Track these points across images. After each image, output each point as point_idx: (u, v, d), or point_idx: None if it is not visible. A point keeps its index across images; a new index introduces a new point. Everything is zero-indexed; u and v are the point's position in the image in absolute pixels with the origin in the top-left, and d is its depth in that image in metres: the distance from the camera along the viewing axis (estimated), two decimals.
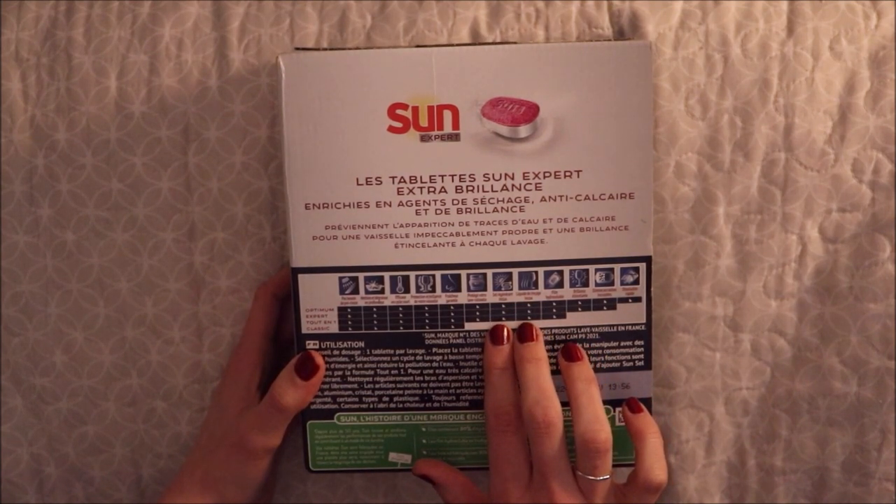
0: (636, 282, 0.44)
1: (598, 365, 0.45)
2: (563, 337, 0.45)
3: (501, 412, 0.43)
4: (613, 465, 0.44)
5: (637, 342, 0.45)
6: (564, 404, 0.42)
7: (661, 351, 0.48)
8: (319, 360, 0.45)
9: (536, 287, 0.44)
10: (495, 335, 0.44)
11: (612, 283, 0.44)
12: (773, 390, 0.49)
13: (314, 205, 0.43)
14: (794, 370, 0.49)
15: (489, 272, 0.44)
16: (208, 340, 0.50)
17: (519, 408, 0.43)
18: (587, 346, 0.45)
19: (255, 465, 0.45)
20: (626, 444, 0.46)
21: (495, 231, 0.44)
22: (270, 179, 0.48)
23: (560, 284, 0.44)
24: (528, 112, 0.42)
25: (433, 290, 0.44)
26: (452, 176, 0.43)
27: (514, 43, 0.45)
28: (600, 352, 0.45)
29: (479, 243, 0.44)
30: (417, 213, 0.43)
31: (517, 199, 0.43)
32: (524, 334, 0.44)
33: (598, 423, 0.42)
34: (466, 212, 0.43)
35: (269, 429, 0.44)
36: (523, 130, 0.43)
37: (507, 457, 0.43)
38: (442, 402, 0.46)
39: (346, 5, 0.48)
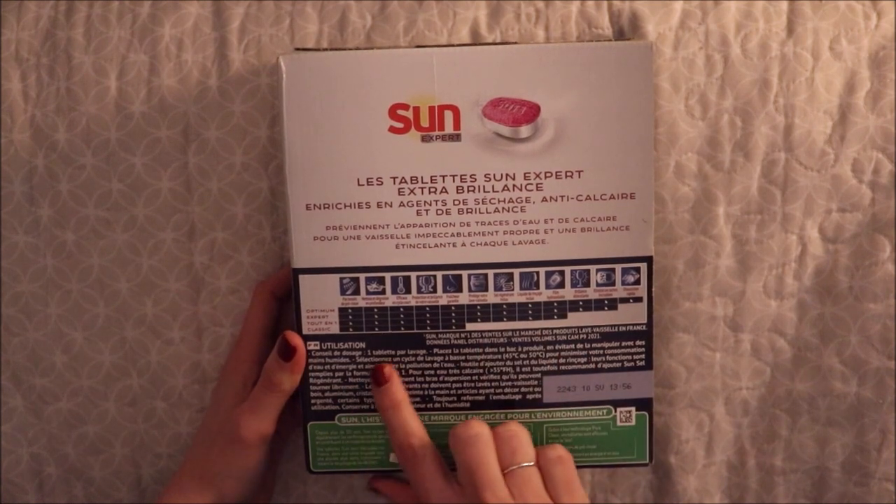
0: (637, 282, 0.44)
1: (598, 365, 0.45)
2: (564, 337, 0.45)
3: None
4: (618, 466, 0.44)
5: (638, 342, 0.45)
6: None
7: (661, 351, 0.48)
8: (296, 341, 0.44)
9: (537, 287, 0.44)
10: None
11: (613, 284, 0.44)
12: (773, 390, 0.49)
13: (315, 205, 0.43)
14: (794, 370, 0.49)
15: (490, 272, 0.44)
16: (208, 340, 0.50)
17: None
18: (588, 346, 0.45)
19: (250, 456, 0.45)
20: (628, 444, 0.46)
21: (496, 231, 0.44)
22: (270, 179, 0.48)
23: (561, 285, 0.44)
24: (529, 112, 0.42)
25: (434, 290, 0.44)
26: (453, 176, 0.43)
27: (515, 43, 0.45)
28: (601, 352, 0.45)
29: (480, 244, 0.44)
30: (418, 213, 0.43)
31: (518, 200, 0.43)
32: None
33: None
34: (467, 212, 0.43)
35: (261, 410, 0.44)
36: (524, 131, 0.43)
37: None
38: (443, 403, 0.46)
39: (346, 5, 0.48)
